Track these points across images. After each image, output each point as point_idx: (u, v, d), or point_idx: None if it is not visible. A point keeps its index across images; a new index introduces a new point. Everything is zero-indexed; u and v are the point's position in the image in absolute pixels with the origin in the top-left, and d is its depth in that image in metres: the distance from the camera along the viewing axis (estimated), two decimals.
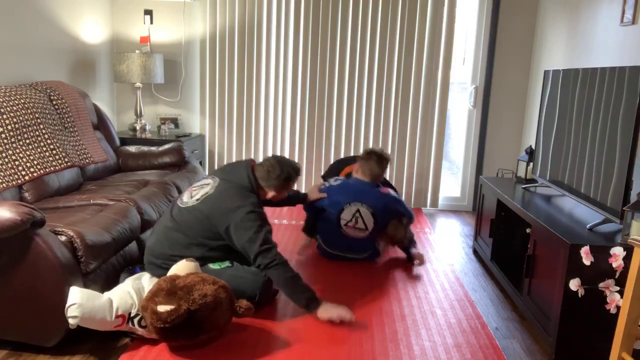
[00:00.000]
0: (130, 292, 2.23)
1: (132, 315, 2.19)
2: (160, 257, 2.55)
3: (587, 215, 2.65)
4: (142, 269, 2.62)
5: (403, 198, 4.56)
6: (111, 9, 4.53)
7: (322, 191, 3.26)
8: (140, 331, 2.22)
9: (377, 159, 3.22)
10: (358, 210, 3.08)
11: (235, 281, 2.47)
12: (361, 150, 4.62)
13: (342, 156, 4.67)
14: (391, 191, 3.29)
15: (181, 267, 2.32)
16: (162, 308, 2.07)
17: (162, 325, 2.07)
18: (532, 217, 2.60)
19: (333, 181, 3.29)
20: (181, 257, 2.49)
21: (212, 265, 2.54)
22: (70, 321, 2.05)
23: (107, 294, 2.18)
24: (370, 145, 4.62)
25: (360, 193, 3.17)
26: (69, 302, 2.04)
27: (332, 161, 4.68)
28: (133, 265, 2.65)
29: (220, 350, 2.24)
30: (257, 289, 2.51)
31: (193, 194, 2.61)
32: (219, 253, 2.57)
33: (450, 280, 3.14)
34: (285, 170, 2.65)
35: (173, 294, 2.12)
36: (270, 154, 4.71)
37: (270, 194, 2.71)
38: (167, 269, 2.48)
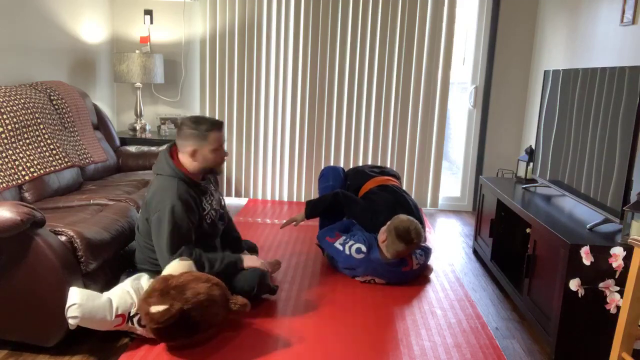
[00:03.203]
0: (129, 291, 2.23)
1: (131, 314, 2.19)
2: (143, 262, 2.56)
3: (587, 215, 2.65)
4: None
5: None
6: (111, 9, 4.53)
7: (334, 252, 3.03)
8: (139, 330, 2.22)
9: (406, 244, 2.86)
10: (373, 279, 3.00)
11: (231, 277, 2.49)
12: (361, 150, 4.63)
13: (341, 156, 4.67)
14: (415, 260, 3.01)
15: (175, 267, 2.31)
16: (154, 309, 2.06)
17: (155, 325, 2.07)
18: (532, 217, 2.60)
19: (355, 252, 2.94)
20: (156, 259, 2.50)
21: None
22: (71, 321, 2.05)
23: (107, 294, 2.18)
24: (371, 146, 4.62)
25: (380, 272, 2.96)
26: (68, 303, 2.04)
27: (331, 161, 4.69)
28: (133, 268, 2.64)
29: (219, 350, 2.24)
30: (254, 283, 2.52)
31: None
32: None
33: (450, 280, 3.14)
34: (179, 124, 2.50)
35: (166, 294, 2.11)
36: (270, 153, 4.71)
37: (191, 161, 2.49)
38: (160, 270, 2.48)
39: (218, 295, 2.22)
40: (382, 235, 2.94)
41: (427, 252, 3.13)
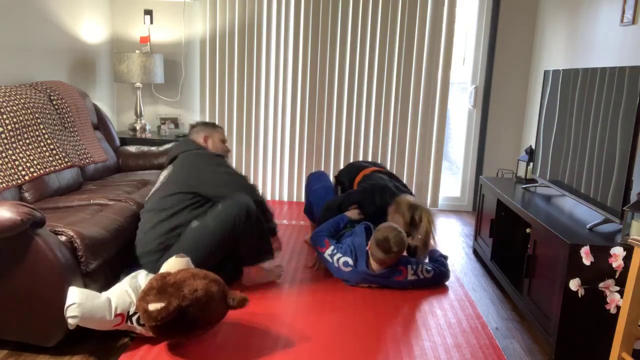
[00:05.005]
0: (128, 290, 2.23)
1: (130, 313, 2.19)
2: (147, 243, 2.59)
3: (587, 215, 2.65)
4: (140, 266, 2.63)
5: None
6: (111, 9, 4.53)
7: (326, 262, 3.02)
8: (138, 329, 2.22)
9: (385, 252, 2.81)
10: (369, 286, 2.96)
11: (221, 216, 2.56)
12: (361, 150, 4.63)
13: (341, 156, 4.67)
14: (411, 270, 2.93)
15: (172, 264, 2.31)
16: (152, 306, 2.06)
17: (153, 323, 2.07)
18: (532, 217, 2.60)
19: (343, 265, 2.92)
20: (162, 228, 2.59)
21: (193, 224, 2.60)
22: (70, 321, 2.05)
23: (105, 294, 2.18)
24: (371, 146, 4.62)
25: (372, 281, 2.93)
26: (68, 302, 2.04)
27: (332, 161, 4.69)
28: (131, 266, 2.64)
29: (219, 349, 2.24)
30: (244, 205, 2.60)
31: (156, 185, 2.80)
32: (189, 215, 2.65)
33: (450, 280, 3.13)
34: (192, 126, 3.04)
35: (163, 291, 2.10)
36: (270, 153, 4.71)
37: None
38: (164, 248, 2.54)
39: (216, 291, 2.21)
40: (369, 241, 2.92)
41: (438, 273, 3.01)
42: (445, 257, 3.14)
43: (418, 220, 3.05)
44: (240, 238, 2.63)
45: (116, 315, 2.13)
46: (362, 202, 3.19)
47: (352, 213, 3.20)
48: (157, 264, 2.55)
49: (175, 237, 2.58)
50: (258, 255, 2.76)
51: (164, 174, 2.79)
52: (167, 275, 2.21)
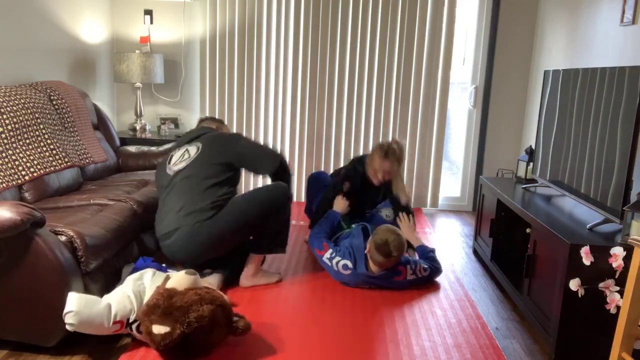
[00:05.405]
0: (130, 296, 2.20)
1: (130, 321, 2.17)
2: (199, 202, 2.65)
3: (587, 215, 2.65)
4: (152, 258, 2.62)
5: None
6: (111, 9, 4.53)
7: (324, 265, 3.03)
8: (138, 336, 2.20)
9: (385, 257, 2.82)
10: (370, 287, 2.95)
11: (272, 191, 2.74)
12: (361, 151, 4.63)
13: (341, 156, 4.67)
14: (410, 270, 2.94)
15: (180, 280, 2.23)
16: (156, 329, 2.03)
17: (155, 346, 2.06)
18: (532, 217, 2.60)
19: (342, 268, 2.92)
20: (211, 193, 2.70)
21: (241, 194, 2.77)
22: (68, 327, 2.03)
23: (107, 298, 2.16)
24: (371, 147, 4.62)
25: (372, 283, 2.92)
26: (66, 309, 2.00)
27: (332, 161, 4.68)
28: (137, 264, 2.61)
29: (220, 350, 2.24)
30: (287, 192, 2.79)
31: (182, 159, 2.85)
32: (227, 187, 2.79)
33: (450, 280, 3.14)
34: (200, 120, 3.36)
35: (169, 314, 2.06)
36: None
37: None
38: (217, 207, 2.65)
39: (221, 318, 2.16)
40: (368, 244, 2.92)
41: (433, 270, 3.04)
42: (433, 251, 3.16)
43: (391, 149, 3.31)
44: (272, 217, 2.75)
45: (115, 322, 2.10)
46: (349, 176, 3.45)
47: (340, 205, 3.34)
48: (206, 221, 2.61)
49: (225, 201, 2.70)
50: (275, 242, 2.82)
51: (190, 150, 2.87)
52: (174, 294, 2.13)
